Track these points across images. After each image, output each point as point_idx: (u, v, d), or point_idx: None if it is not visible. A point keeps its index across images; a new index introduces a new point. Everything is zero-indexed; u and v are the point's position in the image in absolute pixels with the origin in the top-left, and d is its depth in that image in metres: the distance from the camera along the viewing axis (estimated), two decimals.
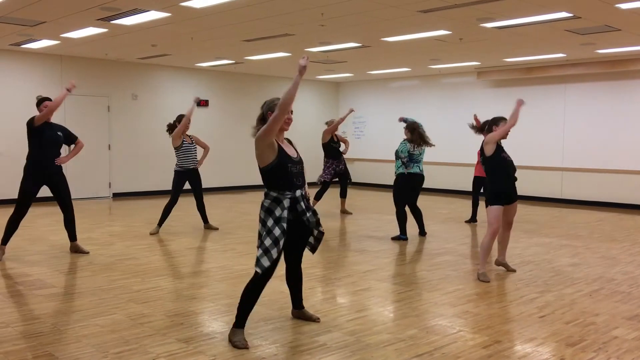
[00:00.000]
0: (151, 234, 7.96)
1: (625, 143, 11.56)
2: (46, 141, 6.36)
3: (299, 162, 3.98)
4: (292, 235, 3.86)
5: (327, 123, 10.47)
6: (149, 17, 7.84)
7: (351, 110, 10.91)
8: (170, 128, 8.33)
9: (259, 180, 14.11)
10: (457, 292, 5.20)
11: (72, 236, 6.68)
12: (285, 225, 3.74)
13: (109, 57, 12.06)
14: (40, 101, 6.40)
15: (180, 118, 8.27)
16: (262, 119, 3.91)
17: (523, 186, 12.69)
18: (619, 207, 11.53)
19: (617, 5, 6.83)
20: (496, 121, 6.05)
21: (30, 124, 6.28)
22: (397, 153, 7.96)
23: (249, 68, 13.59)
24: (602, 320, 4.36)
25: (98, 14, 7.71)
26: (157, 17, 7.80)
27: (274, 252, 3.68)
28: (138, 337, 3.87)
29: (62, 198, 6.54)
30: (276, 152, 3.78)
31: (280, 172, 3.79)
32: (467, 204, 10.31)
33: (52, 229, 8.21)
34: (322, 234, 4.00)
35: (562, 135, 12.48)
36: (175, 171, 8.26)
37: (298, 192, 3.84)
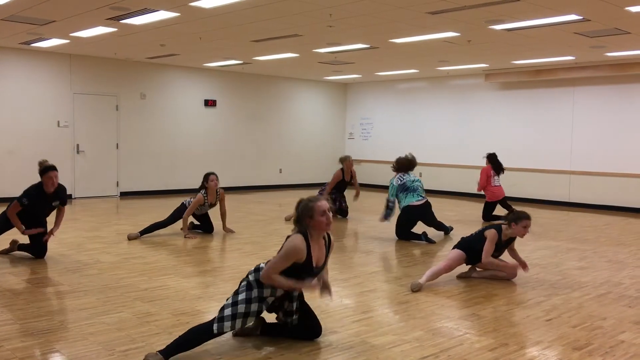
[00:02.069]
0: (130, 238, 7.51)
1: (634, 147, 11.50)
2: (36, 212, 6.17)
3: (317, 272, 3.73)
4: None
5: (341, 160, 9.96)
6: (158, 17, 7.87)
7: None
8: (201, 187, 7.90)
9: (265, 181, 14.03)
10: (463, 294, 5.19)
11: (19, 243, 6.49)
12: (264, 307, 3.66)
13: (118, 57, 12.12)
14: (45, 170, 6.02)
15: (207, 176, 7.82)
16: (298, 222, 3.66)
17: (531, 189, 12.78)
18: (627, 211, 11.47)
19: (627, 8, 6.80)
20: (518, 218, 5.55)
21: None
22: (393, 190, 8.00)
23: (257, 68, 13.62)
24: (609, 324, 4.34)
25: (107, 14, 7.74)
26: (166, 17, 7.83)
27: (238, 323, 3.57)
28: (144, 336, 3.89)
29: (38, 241, 6.28)
30: (302, 261, 3.58)
31: (294, 273, 3.61)
32: (474, 205, 10.30)
33: (60, 227, 8.23)
34: (294, 322, 3.80)
35: (570, 138, 12.43)
36: (183, 204, 7.89)
37: (295, 292, 3.75)
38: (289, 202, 12.08)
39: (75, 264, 6.07)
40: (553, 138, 12.67)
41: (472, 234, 5.78)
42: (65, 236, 7.66)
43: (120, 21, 8.18)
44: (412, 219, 7.96)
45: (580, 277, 5.87)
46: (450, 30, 8.38)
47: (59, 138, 11.82)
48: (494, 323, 4.34)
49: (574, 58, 10.97)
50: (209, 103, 14.08)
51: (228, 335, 3.91)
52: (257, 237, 7.88)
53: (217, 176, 7.92)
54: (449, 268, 5.53)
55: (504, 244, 5.62)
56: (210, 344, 3.72)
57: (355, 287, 5.36)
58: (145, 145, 13.08)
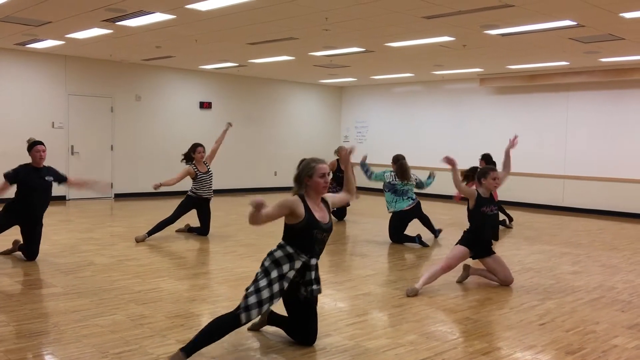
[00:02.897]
0: (137, 240, 7.46)
1: (627, 152, 11.56)
2: (31, 189, 6.08)
3: (328, 229, 3.76)
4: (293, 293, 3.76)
5: (336, 151, 10.08)
6: (154, 19, 7.87)
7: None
8: (186, 157, 7.96)
9: (260, 183, 13.96)
10: (457, 298, 5.20)
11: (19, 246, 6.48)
12: (286, 284, 3.62)
13: (113, 58, 12.10)
14: (32, 145, 6.12)
15: (194, 147, 7.91)
16: (297, 180, 3.73)
17: (525, 193, 12.82)
18: (620, 216, 11.52)
19: (621, 14, 6.84)
20: (485, 173, 5.64)
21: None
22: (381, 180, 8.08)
23: (253, 71, 13.62)
24: (602, 328, 4.36)
25: (103, 15, 7.73)
26: (162, 19, 7.82)
27: (265, 308, 3.52)
28: (138, 338, 3.88)
29: (30, 242, 6.25)
30: (302, 217, 3.61)
31: (304, 234, 3.65)
32: None
33: (54, 229, 8.21)
34: (317, 291, 3.79)
35: (564, 143, 12.48)
36: (188, 195, 7.96)
37: (314, 260, 3.71)
38: None
39: (69, 266, 6.05)
40: (547, 143, 12.71)
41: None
42: (59, 237, 7.64)
43: (116, 23, 8.17)
44: (405, 222, 7.99)
45: (573, 282, 5.89)
46: (446, 34, 8.41)
47: (54, 139, 11.76)
48: (487, 327, 4.35)
49: (568, 63, 11.02)
50: (205, 105, 14.07)
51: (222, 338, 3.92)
52: (251, 240, 7.87)
53: (204, 147, 7.98)
54: (447, 267, 5.46)
55: (490, 199, 5.66)
56: (204, 348, 3.71)
57: (349, 291, 5.36)
58: (140, 147, 13.05)
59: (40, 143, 6.19)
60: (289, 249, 3.64)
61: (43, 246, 6.42)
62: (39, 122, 11.61)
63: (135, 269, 6.00)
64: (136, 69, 12.86)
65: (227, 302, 4.82)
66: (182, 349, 3.35)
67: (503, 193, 12.22)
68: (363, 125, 16.46)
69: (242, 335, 4.00)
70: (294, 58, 11.16)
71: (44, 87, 11.70)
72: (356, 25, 7.90)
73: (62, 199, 11.76)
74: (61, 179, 6.37)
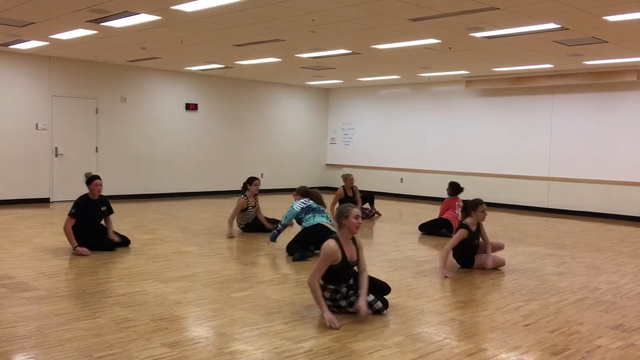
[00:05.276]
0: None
1: (612, 154, 11.67)
2: (87, 220, 6.80)
3: (354, 264, 4.55)
4: None
5: (343, 177, 10.58)
6: (139, 20, 7.82)
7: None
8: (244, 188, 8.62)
9: None
10: (443, 299, 5.21)
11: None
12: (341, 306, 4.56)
13: (98, 59, 12.01)
14: (91, 179, 6.83)
15: (251, 180, 8.54)
16: (337, 219, 4.49)
17: (510, 195, 12.90)
18: (604, 217, 11.63)
19: (604, 17, 6.91)
20: (475, 205, 6.43)
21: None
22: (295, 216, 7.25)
23: (239, 72, 13.59)
24: (587, 329, 4.39)
25: (88, 16, 7.67)
26: (147, 20, 7.78)
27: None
28: (122, 342, 3.84)
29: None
30: (339, 260, 4.38)
31: (338, 270, 4.40)
32: None
33: (36, 231, 8.13)
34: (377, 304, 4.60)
35: (549, 145, 12.58)
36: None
37: (351, 280, 4.55)
38: (270, 206, 12.04)
39: (52, 269, 5.98)
40: (532, 145, 12.81)
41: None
42: (42, 240, 7.55)
43: (101, 24, 8.11)
44: (311, 240, 6.83)
45: (558, 283, 5.93)
46: (432, 37, 8.44)
47: (37, 141, 11.66)
48: (473, 328, 4.37)
49: (552, 66, 11.12)
50: (191, 107, 14.01)
51: (207, 340, 3.89)
52: (237, 242, 7.85)
53: (260, 181, 8.64)
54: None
55: (476, 231, 6.45)
56: (189, 350, 3.69)
57: None
58: (125, 149, 12.96)
59: (99, 177, 6.94)
60: (331, 287, 4.46)
61: (26, 249, 6.35)
62: (23, 124, 11.49)
63: (119, 271, 5.95)
64: (121, 70, 12.77)
65: (212, 304, 4.80)
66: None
67: (489, 195, 12.38)
68: (350, 127, 16.48)
69: (227, 338, 3.98)
70: (280, 60, 11.15)
71: (28, 89, 11.58)
72: (343, 27, 7.91)
73: (46, 201, 11.64)
74: (111, 210, 7.11)
